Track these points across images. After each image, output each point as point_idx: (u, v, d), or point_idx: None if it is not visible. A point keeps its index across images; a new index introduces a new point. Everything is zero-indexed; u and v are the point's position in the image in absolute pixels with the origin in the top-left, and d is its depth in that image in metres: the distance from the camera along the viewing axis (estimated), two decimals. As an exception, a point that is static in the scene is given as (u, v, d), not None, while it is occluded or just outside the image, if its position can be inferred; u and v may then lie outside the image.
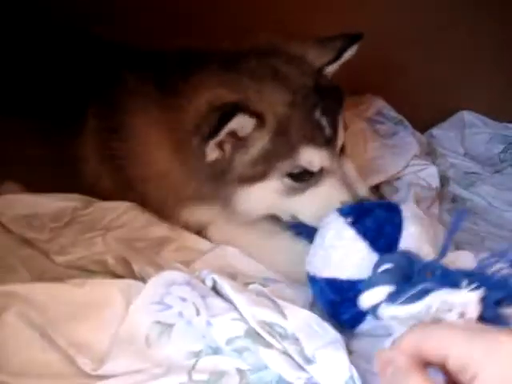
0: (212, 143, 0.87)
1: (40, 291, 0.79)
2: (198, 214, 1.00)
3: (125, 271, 0.88)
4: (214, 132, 0.84)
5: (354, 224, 0.78)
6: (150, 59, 1.05)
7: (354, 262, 0.76)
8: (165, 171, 0.96)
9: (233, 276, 0.85)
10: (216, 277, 0.78)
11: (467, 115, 1.60)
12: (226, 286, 0.77)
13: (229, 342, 0.72)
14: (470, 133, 1.57)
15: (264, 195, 0.93)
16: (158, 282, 0.77)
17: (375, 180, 1.25)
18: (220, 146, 0.89)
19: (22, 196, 1.04)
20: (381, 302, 0.66)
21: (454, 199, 1.33)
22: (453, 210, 1.27)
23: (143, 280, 0.82)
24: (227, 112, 0.84)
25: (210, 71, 0.94)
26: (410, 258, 0.71)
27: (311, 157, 0.91)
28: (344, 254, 0.77)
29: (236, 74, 0.93)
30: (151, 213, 1.02)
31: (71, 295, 0.78)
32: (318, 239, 0.82)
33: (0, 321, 0.74)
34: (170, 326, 0.74)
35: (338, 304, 0.78)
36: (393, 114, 1.48)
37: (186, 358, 0.72)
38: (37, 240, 0.95)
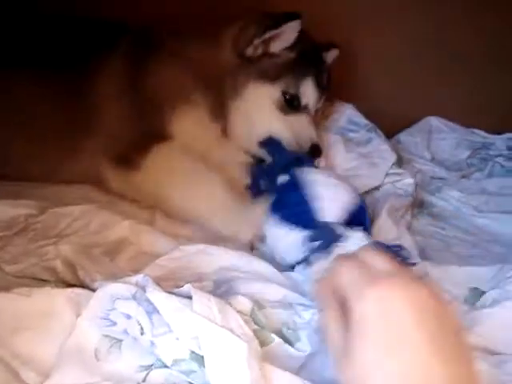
0: (266, 35, 1.13)
1: (-16, 302, 0.75)
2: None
3: (74, 278, 0.84)
4: (272, 26, 1.12)
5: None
6: None
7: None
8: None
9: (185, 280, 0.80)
10: (152, 293, 0.72)
11: (434, 121, 1.59)
12: (161, 306, 0.70)
13: (174, 363, 0.67)
14: (436, 138, 1.56)
15: (264, 96, 1.16)
16: (103, 296, 0.72)
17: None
18: (258, 47, 1.15)
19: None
20: None
21: (421, 204, 1.31)
22: (419, 215, 1.27)
23: (91, 288, 0.77)
24: (291, 14, 1.12)
25: None
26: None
27: (310, 90, 1.19)
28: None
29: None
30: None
31: (16, 305, 0.73)
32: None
33: None
34: (119, 340, 0.70)
35: None
36: (364, 121, 1.45)
37: (136, 371, 0.68)
38: (-14, 249, 0.91)
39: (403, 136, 1.56)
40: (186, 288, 0.72)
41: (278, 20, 1.12)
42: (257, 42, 1.14)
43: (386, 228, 1.10)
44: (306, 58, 1.19)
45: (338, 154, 1.32)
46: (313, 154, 1.15)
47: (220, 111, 1.17)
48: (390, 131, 1.54)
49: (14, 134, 1.12)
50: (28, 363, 0.68)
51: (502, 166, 1.49)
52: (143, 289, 0.72)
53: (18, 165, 1.13)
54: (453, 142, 1.57)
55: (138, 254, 0.93)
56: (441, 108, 1.62)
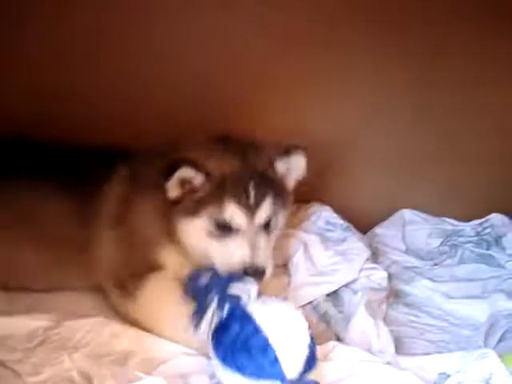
0: (168, 184, 1.19)
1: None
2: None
3: (90, 386, 0.97)
4: (167, 176, 1.18)
5: None
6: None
7: None
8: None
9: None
10: None
11: (407, 213, 1.74)
12: None
13: None
14: (410, 229, 1.71)
15: (195, 229, 1.21)
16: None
17: (333, 286, 1.39)
18: (181, 186, 1.20)
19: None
20: None
21: (396, 294, 1.45)
22: (394, 304, 1.40)
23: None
24: (175, 164, 1.18)
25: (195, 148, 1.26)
26: None
27: (232, 212, 1.19)
28: None
29: (209, 148, 1.26)
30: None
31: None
32: None
33: None
34: None
35: None
36: (339, 221, 1.61)
37: None
38: (9, 361, 1.04)
39: (379, 229, 1.70)
40: None
41: (170, 171, 1.17)
42: (168, 187, 1.20)
43: (364, 321, 1.23)
44: (227, 183, 1.20)
45: (317, 252, 1.47)
46: (253, 275, 1.14)
47: None
48: (367, 225, 1.70)
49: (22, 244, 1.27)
50: None
51: (472, 252, 1.64)
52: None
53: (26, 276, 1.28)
54: (426, 232, 1.71)
55: (142, 359, 1.06)
56: (413, 200, 1.76)
